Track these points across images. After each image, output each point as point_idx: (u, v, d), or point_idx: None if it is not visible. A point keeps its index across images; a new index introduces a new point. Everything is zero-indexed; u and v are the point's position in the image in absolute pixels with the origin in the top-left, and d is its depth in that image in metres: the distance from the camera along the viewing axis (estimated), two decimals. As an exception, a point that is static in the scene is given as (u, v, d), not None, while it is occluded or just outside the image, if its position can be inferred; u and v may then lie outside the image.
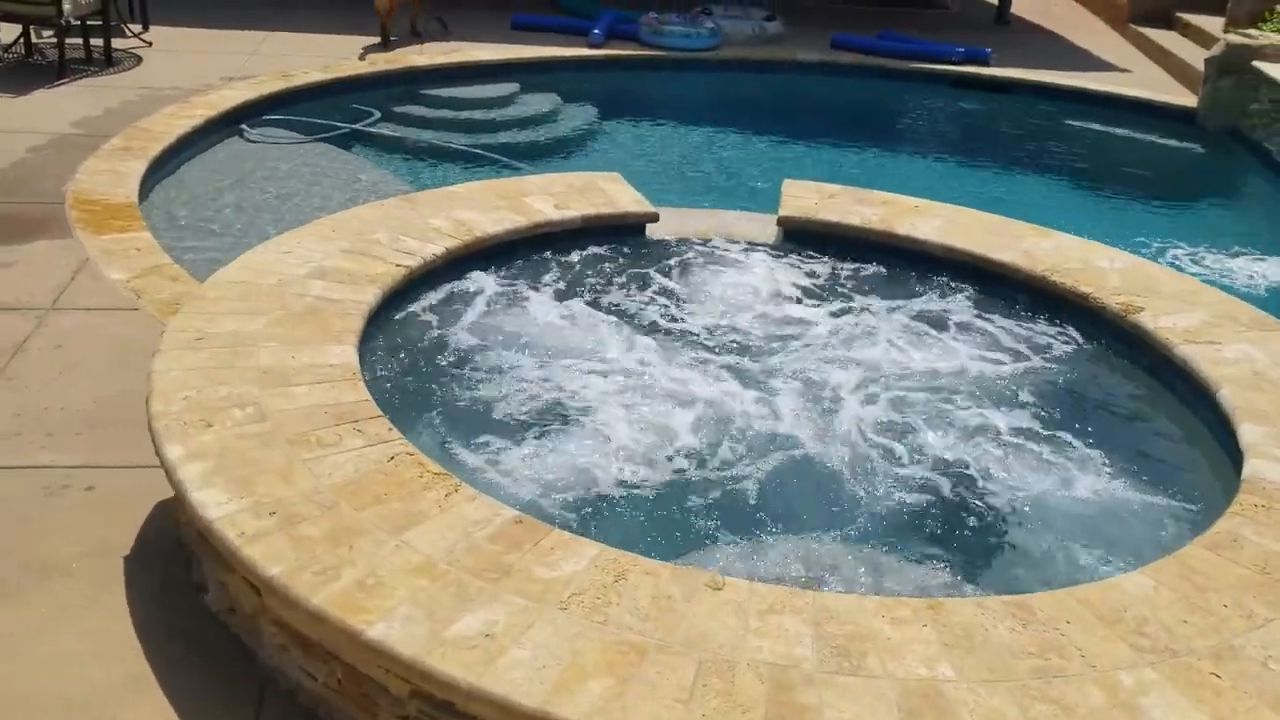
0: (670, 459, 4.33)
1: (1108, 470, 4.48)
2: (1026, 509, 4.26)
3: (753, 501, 4.19)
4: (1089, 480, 4.42)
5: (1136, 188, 11.12)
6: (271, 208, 7.46)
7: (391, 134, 9.47)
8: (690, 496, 4.17)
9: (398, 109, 10.06)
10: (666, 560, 3.45)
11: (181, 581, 3.75)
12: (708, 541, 3.94)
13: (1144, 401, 4.99)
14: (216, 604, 3.60)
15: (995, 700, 2.88)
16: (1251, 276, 9.57)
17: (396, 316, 5.03)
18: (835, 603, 3.21)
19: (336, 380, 4.10)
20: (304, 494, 3.46)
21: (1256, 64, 11.09)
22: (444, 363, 4.86)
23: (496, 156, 9.52)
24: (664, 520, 4.04)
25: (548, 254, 5.73)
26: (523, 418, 4.51)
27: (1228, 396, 4.57)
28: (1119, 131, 11.91)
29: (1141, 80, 12.78)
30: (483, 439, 4.35)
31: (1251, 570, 3.47)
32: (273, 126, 9.03)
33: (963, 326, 5.49)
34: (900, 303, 5.67)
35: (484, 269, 5.50)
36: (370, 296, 4.74)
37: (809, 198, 6.31)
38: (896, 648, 3.04)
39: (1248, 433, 4.31)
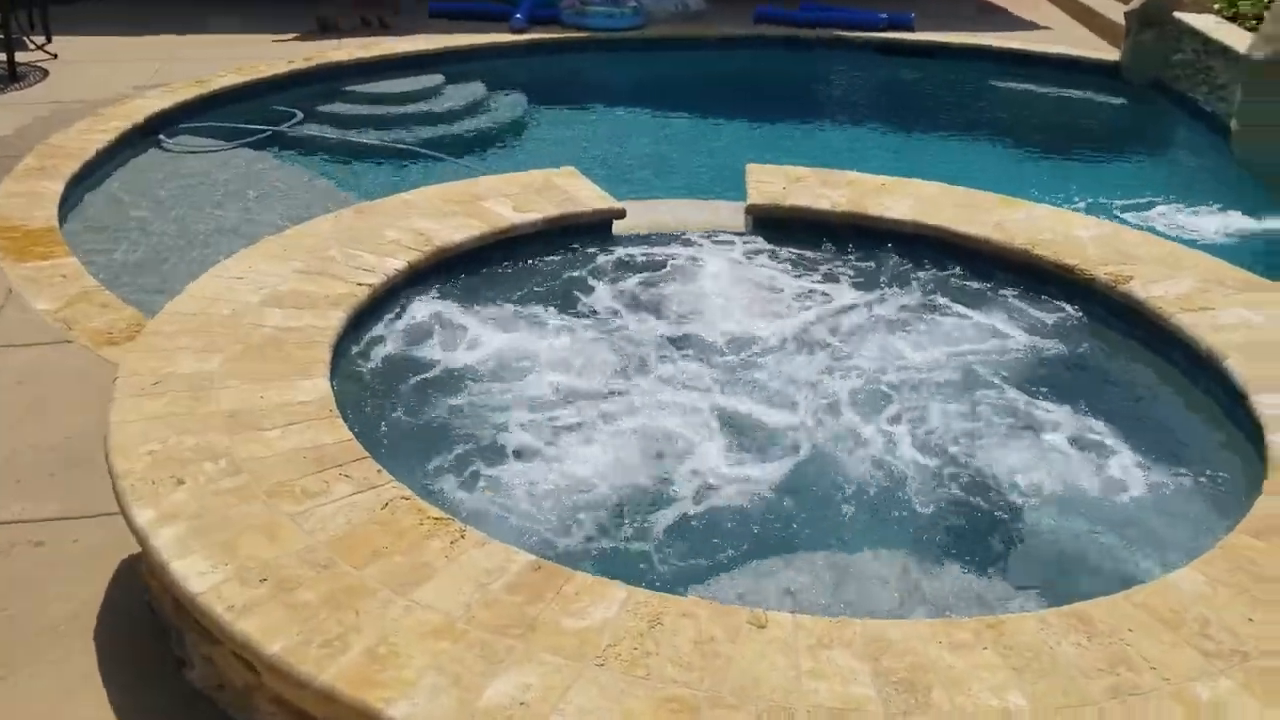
0: (682, 479, 4.07)
1: (1123, 452, 4.33)
2: (1048, 499, 4.09)
3: (772, 516, 3.96)
4: (1106, 464, 4.26)
5: (1066, 145, 11.12)
6: (203, 221, 7.03)
7: (318, 135, 9.04)
8: (707, 518, 3.92)
9: (321, 108, 9.61)
10: (695, 593, 3.20)
11: (159, 655, 3.41)
12: (734, 566, 3.69)
13: (1147, 375, 4.85)
14: (203, 680, 3.27)
15: (1076, 728, 2.69)
16: (1193, 230, 9.60)
17: (365, 341, 4.70)
18: (888, 631, 2.99)
19: (312, 419, 3.77)
20: (294, 554, 3.14)
21: (1177, 15, 11.14)
22: (423, 389, 4.54)
23: (429, 153, 9.15)
24: (685, 547, 3.78)
25: (514, 260, 5.43)
26: (517, 445, 4.21)
27: (1235, 366, 4.45)
28: (1046, 90, 11.90)
29: (1064, 38, 12.79)
30: (478, 473, 4.04)
31: (1303, 556, 3.33)
32: (192, 135, 8.55)
33: (952, 309, 5.31)
34: (885, 287, 5.47)
35: (450, 281, 5.17)
36: (334, 321, 4.40)
37: (775, 182, 6.08)
38: (961, 678, 2.83)
39: (1265, 403, 4.18)
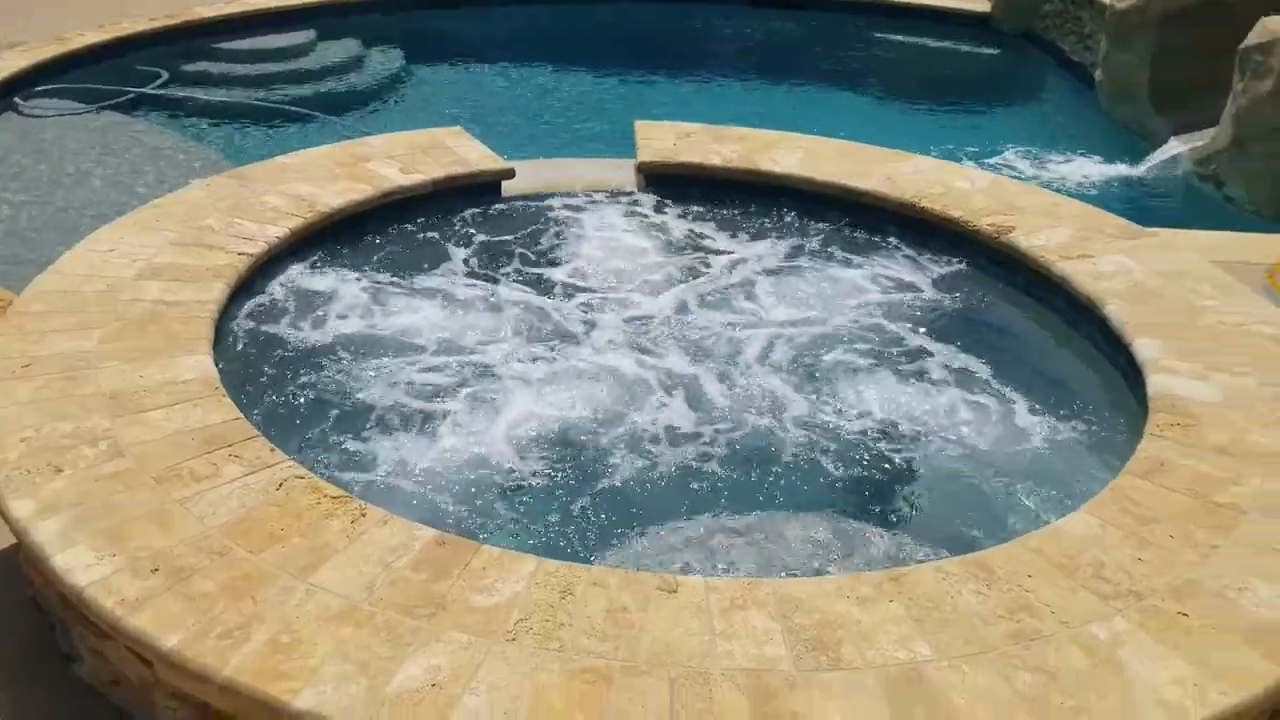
0: (577, 441, 4.04)
1: (1011, 399, 4.43)
2: (938, 445, 4.17)
3: (670, 478, 3.95)
4: (994, 411, 4.36)
5: (940, 96, 11.34)
6: (66, 191, 6.69)
7: (186, 96, 8.67)
8: (602, 482, 3.89)
9: (188, 67, 9.23)
10: (597, 560, 3.18)
11: (45, 651, 3.26)
12: (632, 530, 3.68)
13: (1031, 323, 4.97)
14: (94, 676, 3.14)
15: (980, 676, 2.75)
16: (1063, 177, 9.90)
17: (249, 313, 4.54)
18: (796, 589, 3.01)
19: (197, 398, 3.62)
20: (187, 541, 3.02)
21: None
22: (312, 362, 4.40)
23: (305, 111, 8.86)
24: (584, 513, 3.75)
25: (402, 224, 5.29)
26: (412, 415, 4.12)
27: (1115, 311, 4.58)
28: (919, 42, 12.08)
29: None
30: (374, 447, 3.94)
31: (1187, 495, 3.45)
32: (51, 97, 8.11)
33: (843, 261, 5.36)
34: (778, 241, 5.49)
35: (337, 248, 5.02)
36: (216, 294, 4.23)
37: (665, 139, 6.03)
38: (869, 632, 2.86)
39: (1144, 348, 4.32)
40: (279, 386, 4.23)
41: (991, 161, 9.91)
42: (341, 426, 4.04)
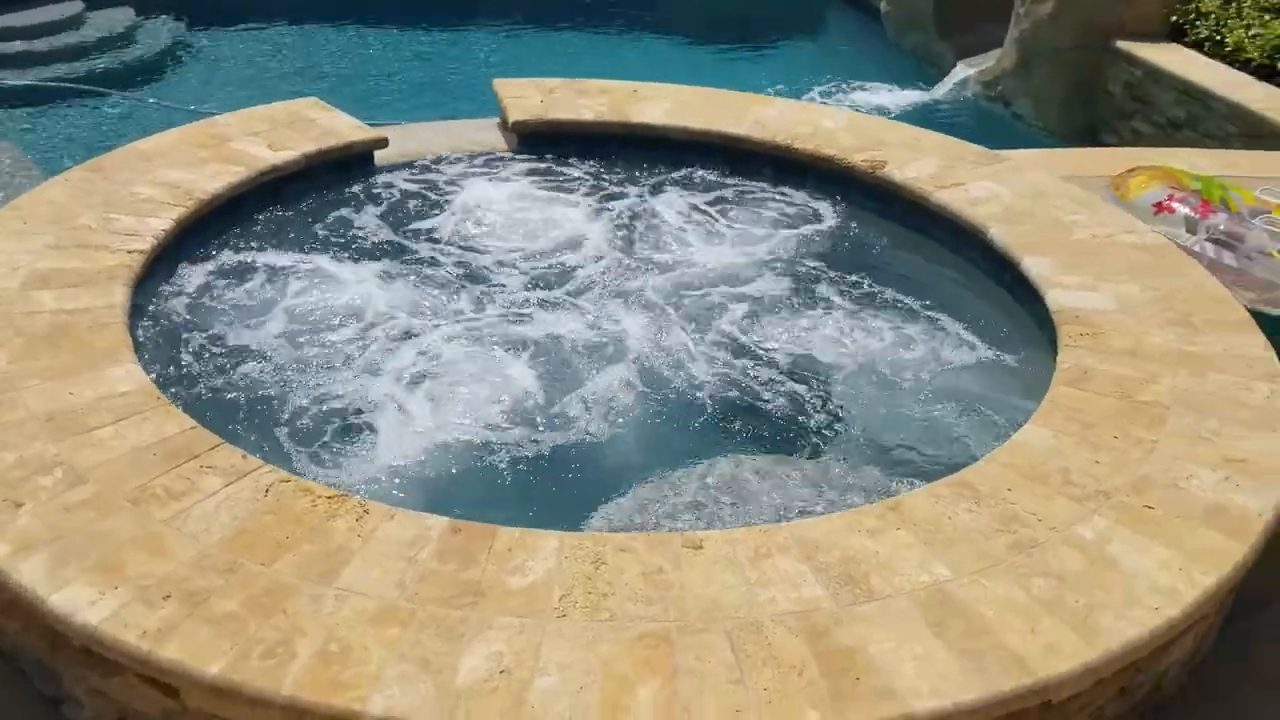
0: (522, 410, 4.00)
1: (921, 327, 4.67)
2: (870, 381, 4.36)
3: (621, 439, 3.98)
4: (911, 340, 4.59)
5: (733, 36, 11.66)
6: None
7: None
8: (558, 449, 3.88)
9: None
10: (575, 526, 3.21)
11: (19, 697, 3.02)
12: (605, 493, 3.69)
13: (919, 252, 5.21)
14: (95, 715, 2.93)
15: (999, 587, 2.95)
16: (859, 106, 10.37)
17: (158, 313, 4.25)
18: (810, 530, 3.12)
19: (141, 410, 3.39)
20: (189, 563, 2.86)
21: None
22: (242, 357, 4.15)
23: (92, 88, 8.28)
24: (558, 480, 3.74)
25: (285, 203, 5.04)
26: (364, 401, 3.97)
27: (999, 235, 4.88)
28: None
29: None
30: (342, 438, 3.79)
31: (1115, 398, 3.76)
32: None
33: (734, 206, 5.47)
34: (664, 191, 5.55)
35: (225, 233, 4.75)
36: (119, 297, 3.94)
37: (531, 96, 5.95)
38: (888, 560, 3.02)
39: (1033, 266, 4.64)
40: (218, 387, 3.98)
41: (800, 96, 10.26)
42: (299, 421, 3.86)
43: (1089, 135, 9.58)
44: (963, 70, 11.01)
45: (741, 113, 5.92)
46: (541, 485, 3.73)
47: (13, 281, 3.95)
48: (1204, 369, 3.90)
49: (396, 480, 3.63)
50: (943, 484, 3.35)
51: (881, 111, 10.09)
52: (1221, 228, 5.05)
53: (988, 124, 10.09)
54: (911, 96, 10.90)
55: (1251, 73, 8.44)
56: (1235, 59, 8.65)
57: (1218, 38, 8.80)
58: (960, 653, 2.74)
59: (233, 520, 3.00)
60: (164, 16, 10.44)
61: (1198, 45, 8.90)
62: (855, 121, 5.99)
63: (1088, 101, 9.57)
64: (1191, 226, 5.11)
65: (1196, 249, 4.98)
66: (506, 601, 2.81)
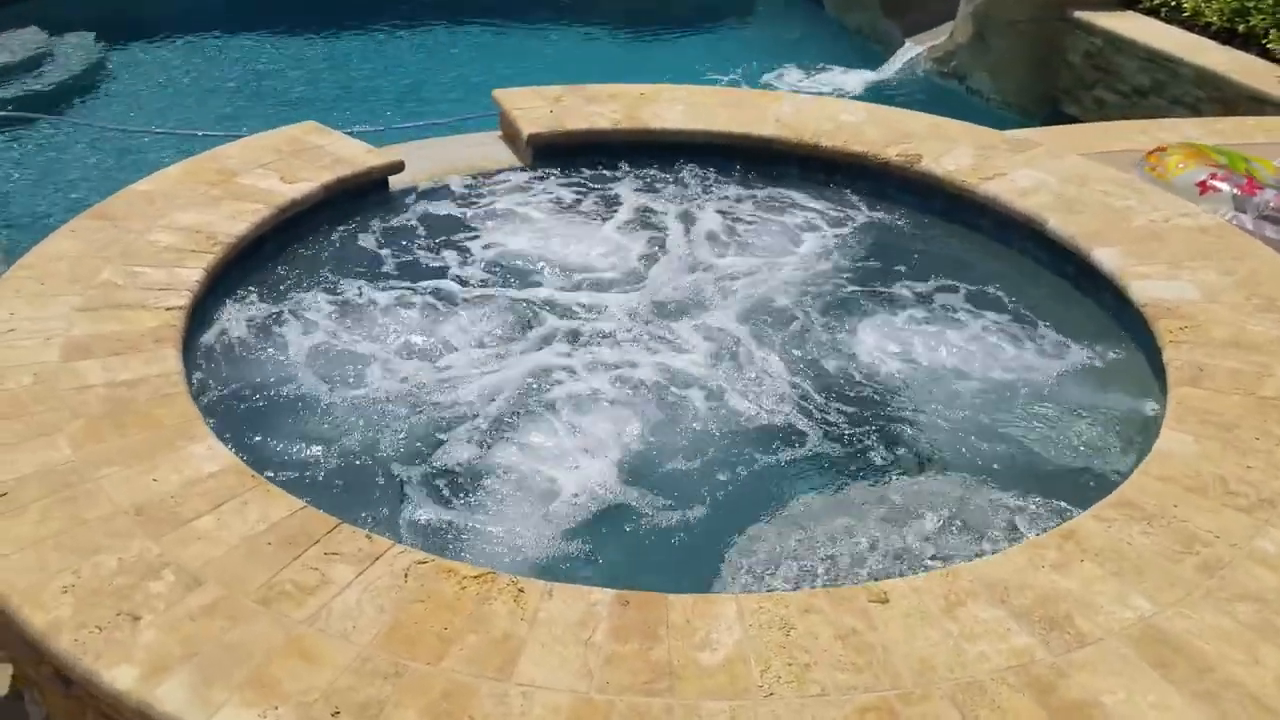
0: (645, 452, 3.74)
1: (1004, 330, 4.49)
2: (973, 390, 4.16)
3: (733, 475, 3.74)
4: (1000, 345, 4.40)
5: (670, 23, 11.48)
6: None
7: None
8: (666, 498, 3.61)
9: None
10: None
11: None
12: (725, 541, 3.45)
13: (982, 251, 5.02)
14: None
15: (1205, 616, 2.80)
16: (809, 89, 10.26)
17: (215, 377, 3.87)
18: (991, 570, 2.94)
19: (239, 493, 3.06)
20: (350, 669, 2.55)
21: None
22: (324, 420, 3.77)
23: (27, 114, 7.85)
24: (677, 536, 3.48)
25: (314, 239, 4.68)
26: (469, 456, 3.65)
27: (1059, 226, 4.75)
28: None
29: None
30: (442, 501, 3.48)
31: (1240, 395, 3.65)
32: None
33: (780, 208, 5.25)
34: (708, 199, 5.30)
35: (256, 280, 4.37)
36: (173, 363, 3.57)
37: (537, 106, 5.64)
38: (1084, 597, 2.84)
39: (1106, 258, 4.51)
40: (310, 457, 3.60)
41: (744, 85, 10.08)
42: (403, 488, 3.52)
43: (1050, 106, 9.58)
44: (912, 48, 10.92)
45: (760, 111, 5.70)
46: (657, 537, 3.47)
47: (50, 354, 3.55)
48: (1313, 356, 3.82)
49: (526, 546, 3.33)
50: (1107, 505, 3.19)
51: (835, 94, 9.96)
52: (1272, 204, 4.99)
53: (943, 101, 10.00)
54: (861, 77, 10.77)
55: (1211, 37, 8.49)
56: (1194, 24, 8.70)
57: (1173, 3, 8.84)
58: (1193, 696, 2.58)
59: (380, 614, 2.70)
60: (73, 34, 9.94)
61: (1153, 12, 8.95)
62: (875, 113, 5.80)
63: (1048, 73, 9.57)
64: (1240, 205, 5.05)
65: (1250, 227, 4.92)
66: (705, 682, 2.57)
